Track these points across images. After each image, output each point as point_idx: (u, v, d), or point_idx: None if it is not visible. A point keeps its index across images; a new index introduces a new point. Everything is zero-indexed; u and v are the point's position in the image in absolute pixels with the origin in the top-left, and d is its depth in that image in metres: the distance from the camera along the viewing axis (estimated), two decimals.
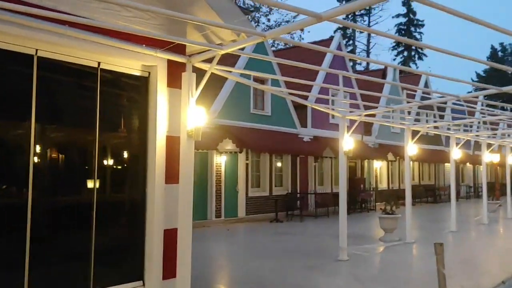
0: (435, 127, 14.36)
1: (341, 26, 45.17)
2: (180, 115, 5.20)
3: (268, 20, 37.03)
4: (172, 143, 5.21)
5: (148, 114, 5.16)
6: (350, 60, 32.81)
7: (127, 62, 4.96)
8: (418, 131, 12.85)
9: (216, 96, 16.75)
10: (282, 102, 19.17)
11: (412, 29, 50.47)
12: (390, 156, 24.97)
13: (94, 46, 4.51)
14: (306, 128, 20.40)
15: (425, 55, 51.20)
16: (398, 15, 50.46)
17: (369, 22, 46.81)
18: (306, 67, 6.63)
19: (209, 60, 5.28)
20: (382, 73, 28.22)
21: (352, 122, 9.31)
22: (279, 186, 19.23)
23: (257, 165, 18.33)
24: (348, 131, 9.57)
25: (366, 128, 24.57)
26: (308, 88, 20.92)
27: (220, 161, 16.44)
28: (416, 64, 50.77)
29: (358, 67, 44.61)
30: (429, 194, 28.23)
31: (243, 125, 17.21)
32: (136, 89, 5.20)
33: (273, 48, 34.31)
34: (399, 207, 12.63)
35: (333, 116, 22.05)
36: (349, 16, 45.79)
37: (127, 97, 5.17)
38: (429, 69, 43.27)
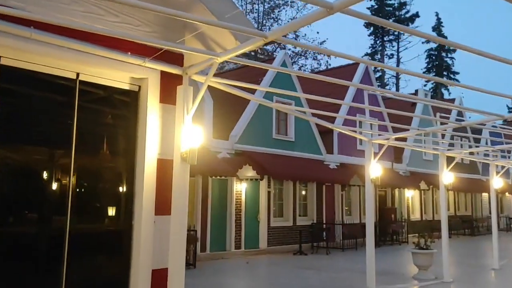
0: (471, 153, 13.17)
1: (368, 52, 44.42)
2: (174, 135, 4.48)
3: (295, 46, 36.63)
4: (164, 167, 4.46)
5: (137, 134, 4.45)
6: (378, 81, 31.85)
7: (112, 73, 4.30)
8: (453, 158, 11.73)
9: (236, 120, 16.12)
10: (306, 127, 18.36)
11: (443, 54, 49.11)
12: (423, 185, 23.57)
13: (71, 54, 3.87)
14: (332, 154, 19.44)
15: (457, 80, 49.53)
16: (428, 41, 49.28)
17: (398, 47, 45.84)
18: (334, 82, 6.02)
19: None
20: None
21: (380, 147, 8.41)
22: (304, 215, 18.20)
23: (280, 193, 17.42)
24: (376, 156, 8.64)
25: (396, 155, 23.37)
26: (334, 111, 20.09)
27: (240, 188, 15.64)
28: (448, 90, 49.16)
29: (386, 95, 43.43)
30: (466, 226, 26.42)
31: (265, 151, 16.43)
32: (123, 105, 4.52)
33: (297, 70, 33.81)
34: (434, 241, 11.42)
35: (361, 142, 21.06)
36: (378, 41, 45.05)
37: (113, 114, 4.48)
38: (462, 95, 41.65)
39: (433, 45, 48.83)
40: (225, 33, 4.38)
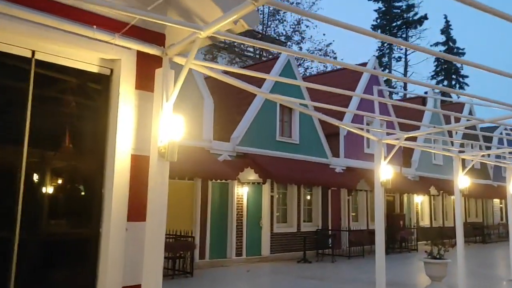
0: (486, 156, 12.38)
1: (378, 53, 43.66)
2: (151, 128, 3.79)
3: (300, 48, 35.98)
4: (139, 165, 3.78)
5: (108, 126, 3.78)
6: (386, 84, 31.05)
7: (77, 53, 3.63)
8: (467, 160, 10.96)
9: (238, 121, 15.43)
10: (311, 129, 17.64)
11: None
12: (433, 190, 22.72)
13: (24, 26, 3.21)
14: (338, 158, 18.68)
15: (466, 84, 48.63)
16: (437, 44, 48.43)
17: (406, 50, 45.01)
18: (340, 93, 5.47)
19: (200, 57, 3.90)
20: (422, 101, 26.28)
21: (389, 148, 7.69)
22: (308, 221, 17.43)
23: (283, 198, 16.69)
24: (386, 158, 7.91)
25: (405, 160, 22.57)
26: (341, 116, 19.38)
27: (242, 192, 14.93)
28: (457, 95, 48.21)
29: (395, 97, 42.62)
30: (477, 233, 25.48)
31: (268, 153, 15.72)
32: (91, 91, 3.85)
33: (303, 74, 33.10)
34: (448, 249, 10.63)
35: (368, 145, 20.30)
36: (386, 44, 44.28)
37: (78, 103, 3.81)
38: (471, 99, 40.69)
39: (442, 48, 47.97)
40: (211, 7, 3.69)
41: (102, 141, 3.76)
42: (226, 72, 5.80)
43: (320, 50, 37.19)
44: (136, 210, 3.73)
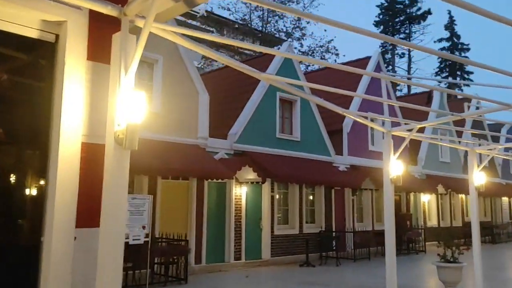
0: (507, 149, 11.53)
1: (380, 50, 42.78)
2: (107, 108, 2.99)
3: (301, 45, 35.20)
4: (92, 156, 2.99)
5: (52, 107, 2.98)
6: (391, 82, 30.10)
7: (10, 12, 2.83)
8: (482, 156, 10.14)
9: (235, 117, 14.63)
10: (313, 126, 16.81)
11: (457, 53, 47.27)
12: (441, 189, 21.83)
13: None
14: (342, 156, 17.85)
15: (471, 80, 47.69)
16: (441, 40, 47.55)
17: (409, 48, 44.09)
18: (341, 93, 4.74)
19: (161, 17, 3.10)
20: (427, 97, 25.43)
21: (396, 143, 6.87)
22: (311, 222, 16.61)
23: (284, 198, 15.86)
24: (395, 152, 7.08)
25: (411, 157, 21.72)
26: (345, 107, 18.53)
27: (240, 192, 14.11)
28: (462, 90, 47.29)
29: (398, 94, 41.74)
30: (487, 233, 24.55)
31: (268, 151, 14.91)
32: (29, 63, 3.05)
33: (304, 70, 32.20)
34: (462, 252, 9.80)
35: (373, 143, 19.48)
36: (388, 43, 43.40)
37: (12, 77, 3.00)
38: (477, 95, 39.79)
39: (446, 44, 47.11)
40: None
41: (44, 127, 2.96)
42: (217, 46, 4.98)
43: (321, 46, 36.42)
44: (88, 213, 2.93)
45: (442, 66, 47.62)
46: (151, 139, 11.94)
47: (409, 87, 42.37)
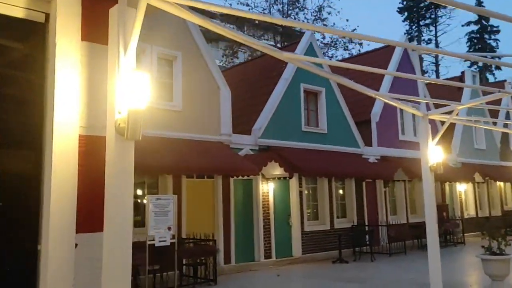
0: None
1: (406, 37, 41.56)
2: (107, 94, 2.60)
3: (323, 37, 34.31)
4: (92, 149, 2.60)
5: (45, 94, 2.61)
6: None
7: None
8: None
9: (259, 112, 14.19)
10: (340, 117, 16.21)
11: (486, 36, 45.45)
12: (477, 177, 20.82)
13: None
14: (371, 147, 17.17)
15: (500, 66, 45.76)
16: (468, 23, 45.75)
17: (435, 32, 42.70)
18: (371, 71, 4.23)
19: None
20: (459, 80, 24.33)
21: (435, 128, 6.29)
22: (342, 217, 16.02)
23: (313, 193, 15.33)
24: (434, 138, 6.50)
25: (444, 145, 20.74)
26: (369, 102, 17.91)
27: (267, 189, 13.68)
28: (494, 75, 45.47)
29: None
30: None
31: (294, 145, 14.41)
32: (16, 46, 2.69)
33: (327, 60, 31.47)
34: (509, 243, 9.09)
35: (403, 132, 18.71)
36: (414, 27, 42.10)
37: None
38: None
39: (475, 28, 45.31)
40: None
41: (35, 117, 2.59)
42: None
43: (343, 37, 35.54)
44: (90, 216, 2.55)
45: (471, 50, 45.86)
46: (174, 137, 11.64)
47: (437, 73, 41.02)
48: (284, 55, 3.90)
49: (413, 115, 19.43)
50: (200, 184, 12.31)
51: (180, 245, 10.36)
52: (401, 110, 18.87)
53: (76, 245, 2.49)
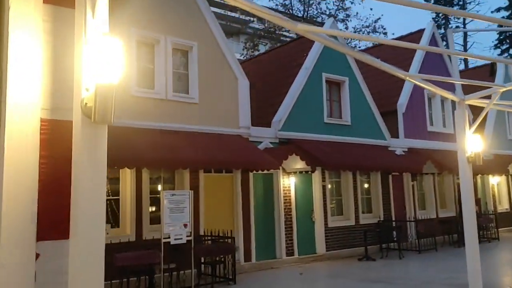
0: None
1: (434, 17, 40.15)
2: (73, 69, 2.09)
3: (346, 27, 33.40)
4: (57, 137, 2.10)
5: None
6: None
7: None
8: None
9: (279, 103, 13.61)
10: (364, 108, 15.47)
11: None
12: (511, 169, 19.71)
13: None
14: (398, 138, 16.37)
15: None
16: (498, 9, 43.77)
17: (464, 19, 40.99)
18: (403, 45, 3.60)
19: None
20: (490, 70, 23.10)
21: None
22: (368, 212, 15.32)
23: (337, 187, 14.68)
24: (471, 126, 5.82)
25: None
26: (396, 89, 17.14)
27: (288, 183, 13.12)
28: None
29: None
30: None
31: (316, 137, 13.79)
32: None
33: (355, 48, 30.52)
34: None
35: (431, 122, 17.81)
36: (441, 14, 40.56)
37: None
38: None
39: (505, 13, 43.34)
40: None
41: None
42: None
43: (367, 27, 34.57)
44: (54, 220, 2.06)
45: (501, 37, 43.97)
46: (191, 131, 11.21)
47: (466, 62, 39.48)
48: (298, 27, 3.33)
49: (442, 104, 18.51)
50: (218, 179, 11.85)
51: (197, 243, 9.93)
52: (430, 99, 17.98)
53: (37, 255, 2.01)
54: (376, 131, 15.72)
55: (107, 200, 9.89)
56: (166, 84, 11.05)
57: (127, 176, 10.32)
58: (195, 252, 9.39)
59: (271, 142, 12.85)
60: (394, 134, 16.37)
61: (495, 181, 20.24)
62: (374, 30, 34.47)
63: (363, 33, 34.08)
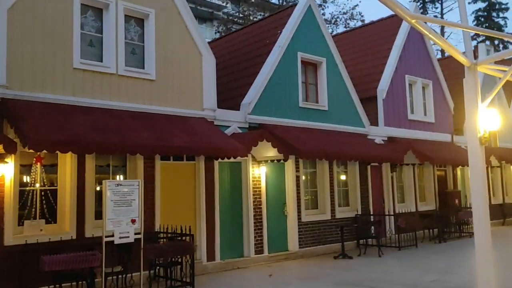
0: None
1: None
2: None
3: (323, 13, 32.12)
4: None
5: None
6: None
7: None
8: None
9: (249, 84, 12.22)
10: (343, 93, 14.24)
11: (494, 14, 43.20)
12: (493, 161, 18.91)
13: None
14: (377, 126, 15.24)
15: (511, 43, 43.58)
16: (476, 0, 43.50)
17: (441, 9, 40.46)
18: None
19: None
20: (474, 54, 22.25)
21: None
22: (345, 206, 14.16)
23: (312, 178, 13.43)
24: (485, 98, 4.57)
25: (456, 126, 18.88)
26: (380, 69, 16.02)
27: (258, 173, 11.77)
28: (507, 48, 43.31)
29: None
30: None
31: (290, 123, 12.49)
32: None
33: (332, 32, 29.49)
34: None
35: (412, 110, 16.78)
36: (418, 3, 39.79)
37: None
38: None
39: (482, 5, 43.06)
40: None
41: None
42: None
43: (345, 13, 33.44)
44: None
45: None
46: (145, 111, 9.71)
47: (442, 52, 38.86)
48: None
49: (423, 91, 17.48)
50: (178, 168, 10.41)
51: (150, 241, 8.48)
52: (410, 85, 16.92)
53: None
54: (355, 117, 14.53)
55: (41, 191, 8.33)
56: (117, 56, 9.49)
57: (67, 163, 8.75)
58: (145, 252, 7.94)
59: (239, 127, 11.47)
60: (374, 121, 15.24)
61: None
62: (352, 17, 33.40)
63: (340, 20, 33.05)
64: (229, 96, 12.48)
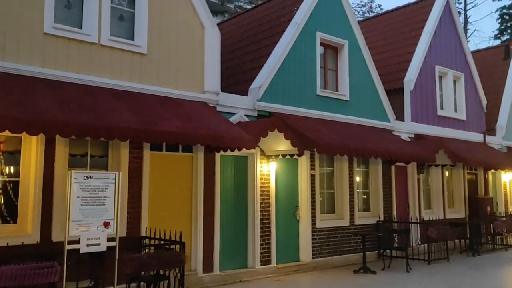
0: None
1: None
2: None
3: None
4: None
5: None
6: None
7: None
8: None
9: (260, 66, 10.49)
10: (366, 81, 12.47)
11: None
12: None
13: None
14: (404, 121, 13.44)
15: None
16: None
17: (465, 5, 38.37)
18: None
19: None
20: (504, 53, 20.30)
21: None
22: (365, 210, 12.38)
23: (329, 178, 11.66)
24: None
25: (488, 125, 17.01)
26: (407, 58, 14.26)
27: (267, 170, 10.04)
28: None
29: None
30: None
31: (305, 113, 10.75)
32: None
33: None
34: None
35: (442, 106, 14.96)
36: None
37: None
38: None
39: (507, 2, 40.86)
40: None
41: None
42: None
43: (363, 6, 31.70)
44: None
45: (502, 27, 41.55)
46: (134, 90, 8.05)
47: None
48: None
49: (454, 85, 15.62)
50: (172, 160, 8.72)
51: (131, 250, 6.80)
52: (440, 78, 15.07)
53: None
54: (379, 110, 12.74)
55: None
56: (100, 23, 7.83)
57: (32, 150, 7.09)
58: (121, 264, 6.26)
59: (246, 115, 9.75)
60: (400, 116, 13.44)
61: (507, 178, 17.53)
62: (370, 10, 31.63)
63: (358, 14, 31.30)
64: (236, 80, 10.78)
